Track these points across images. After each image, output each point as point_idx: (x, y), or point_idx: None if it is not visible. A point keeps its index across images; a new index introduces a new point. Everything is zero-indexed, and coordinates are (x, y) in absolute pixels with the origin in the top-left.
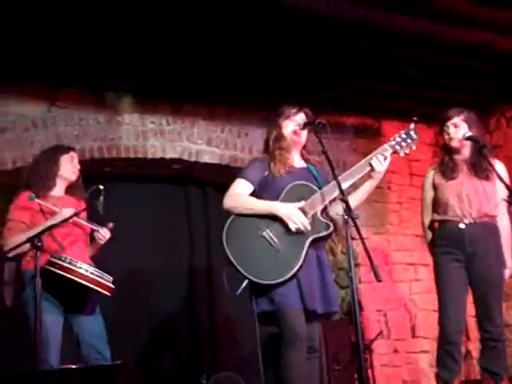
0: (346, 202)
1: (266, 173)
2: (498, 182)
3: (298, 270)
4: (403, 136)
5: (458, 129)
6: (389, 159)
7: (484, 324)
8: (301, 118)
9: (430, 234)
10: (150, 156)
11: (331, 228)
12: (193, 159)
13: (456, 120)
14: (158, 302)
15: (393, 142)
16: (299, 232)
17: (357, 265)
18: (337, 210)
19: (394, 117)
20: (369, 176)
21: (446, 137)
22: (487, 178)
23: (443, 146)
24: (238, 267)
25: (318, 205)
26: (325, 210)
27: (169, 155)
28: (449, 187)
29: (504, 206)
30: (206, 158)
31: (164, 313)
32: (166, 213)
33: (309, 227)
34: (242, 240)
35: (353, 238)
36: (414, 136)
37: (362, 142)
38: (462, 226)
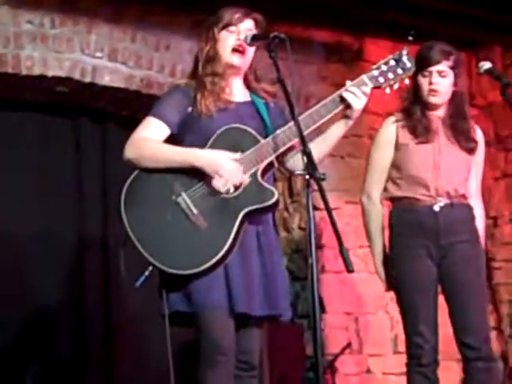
0: (308, 155)
1: (190, 109)
2: (478, 155)
3: (226, 256)
4: (391, 63)
5: (445, 79)
6: (368, 94)
7: (464, 337)
8: (247, 27)
9: (379, 211)
10: (24, 72)
11: (275, 196)
12: (87, 79)
13: (443, 66)
14: (29, 287)
15: (375, 72)
16: (230, 198)
17: (320, 246)
18: (293, 165)
19: (383, 34)
20: (341, 116)
21: (426, 86)
22: (470, 151)
23: (413, 94)
24: (140, 248)
25: (261, 159)
26: (271, 167)
27: (52, 72)
28: (420, 152)
29: (479, 186)
30: (107, 79)
31: (36, 304)
32: (46, 157)
33: (243, 186)
34: (146, 208)
35: (316, 208)
36: (408, 64)
37: (336, 67)
38: (436, 208)
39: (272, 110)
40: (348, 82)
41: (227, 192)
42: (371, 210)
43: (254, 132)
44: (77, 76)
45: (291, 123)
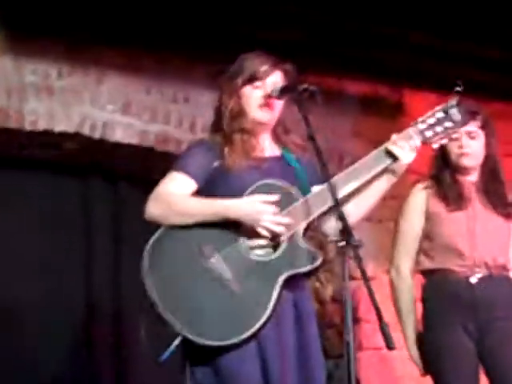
0: (343, 220)
1: (216, 164)
2: None
3: (263, 327)
4: (439, 115)
5: (475, 141)
6: (417, 148)
7: None
8: (275, 80)
9: (409, 286)
10: (27, 127)
11: (319, 259)
12: (97, 135)
13: (471, 127)
14: (30, 353)
15: (422, 125)
16: (267, 260)
17: (356, 320)
18: (327, 228)
19: (425, 85)
20: (383, 172)
21: (455, 150)
22: (508, 216)
23: (441, 159)
24: (167, 316)
25: (298, 220)
26: (309, 229)
27: (59, 127)
28: (453, 220)
29: None
30: (119, 135)
31: (38, 376)
32: (53, 219)
33: (287, 232)
34: (173, 271)
35: (352, 278)
36: (457, 116)
37: (372, 122)
38: (473, 280)
39: (306, 165)
40: (394, 136)
41: (276, 239)
42: (400, 286)
43: (288, 185)
44: (86, 131)
45: (325, 184)
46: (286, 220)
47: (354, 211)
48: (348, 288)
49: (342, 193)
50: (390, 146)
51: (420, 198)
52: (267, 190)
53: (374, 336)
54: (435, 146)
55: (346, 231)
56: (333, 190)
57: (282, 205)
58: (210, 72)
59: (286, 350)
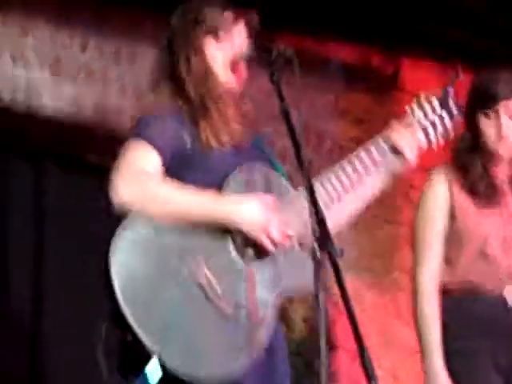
0: (322, 223)
1: (189, 142)
2: None
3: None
4: (435, 104)
5: None
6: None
7: None
8: (240, 32)
9: (434, 304)
10: None
11: None
12: (19, 100)
13: None
14: None
15: (424, 121)
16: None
17: (331, 347)
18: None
19: (425, 54)
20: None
21: (491, 131)
22: None
23: (471, 141)
24: (145, 341)
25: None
26: None
27: None
28: (483, 220)
29: None
30: (45, 101)
31: None
32: None
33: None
34: (146, 282)
35: (331, 294)
36: (453, 109)
37: (360, 97)
38: (508, 296)
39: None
40: (394, 123)
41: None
42: (421, 302)
43: (282, 176)
44: (5, 95)
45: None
46: (291, 235)
47: (337, 215)
48: (323, 309)
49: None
50: (395, 137)
51: (442, 191)
52: (256, 174)
53: (352, 366)
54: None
55: (325, 237)
56: (311, 188)
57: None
58: (161, 24)
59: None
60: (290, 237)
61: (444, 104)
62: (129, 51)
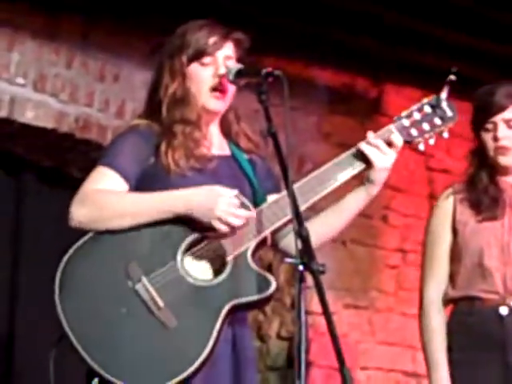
0: (305, 239)
1: (152, 160)
2: None
3: (201, 368)
4: (427, 110)
5: None
6: (398, 148)
7: None
8: (226, 54)
9: (441, 320)
10: None
11: (272, 287)
12: (2, 114)
13: (510, 113)
14: None
15: (406, 122)
16: (209, 285)
17: (307, 364)
18: (287, 245)
19: (409, 80)
20: (361, 182)
21: (491, 143)
22: None
23: (479, 156)
24: (85, 356)
25: (247, 237)
26: (261, 248)
27: None
28: (484, 232)
29: None
30: (29, 116)
31: None
32: None
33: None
34: (92, 296)
35: (307, 313)
36: (449, 112)
37: (343, 121)
38: (503, 311)
39: (259, 168)
40: (370, 134)
41: (221, 258)
42: (432, 319)
43: (243, 198)
44: None
45: (284, 193)
46: (247, 213)
47: (319, 230)
48: (303, 324)
49: (304, 205)
50: (362, 145)
51: (447, 206)
52: None
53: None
54: (421, 147)
55: (307, 252)
56: (294, 199)
57: None
58: (147, 46)
59: None
60: (239, 216)
61: (436, 107)
62: (113, 69)
